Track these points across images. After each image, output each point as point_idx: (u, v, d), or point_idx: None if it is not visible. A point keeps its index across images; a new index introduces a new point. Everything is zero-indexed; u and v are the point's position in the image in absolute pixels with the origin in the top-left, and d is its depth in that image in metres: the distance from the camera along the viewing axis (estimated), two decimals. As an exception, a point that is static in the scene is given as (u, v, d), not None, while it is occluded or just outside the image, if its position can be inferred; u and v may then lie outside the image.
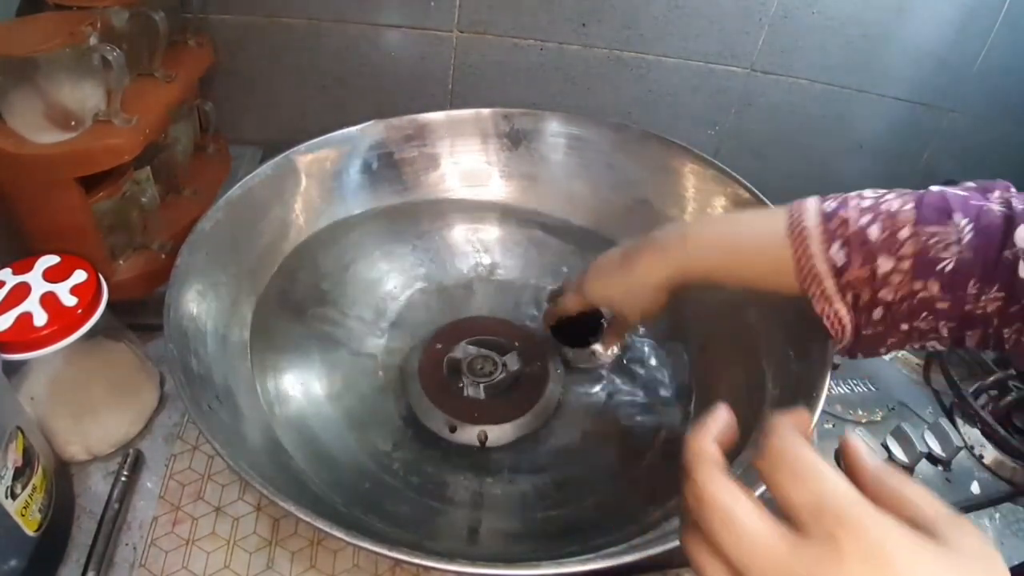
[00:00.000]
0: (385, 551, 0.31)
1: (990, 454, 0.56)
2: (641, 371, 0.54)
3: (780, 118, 0.75)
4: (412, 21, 0.65)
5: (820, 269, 0.37)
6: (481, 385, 0.51)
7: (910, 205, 0.36)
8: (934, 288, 0.35)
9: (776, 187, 0.52)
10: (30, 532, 0.38)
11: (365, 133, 0.58)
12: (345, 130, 0.57)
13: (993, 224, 0.34)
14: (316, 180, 0.56)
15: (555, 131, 0.62)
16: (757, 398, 0.45)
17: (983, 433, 0.58)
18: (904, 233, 0.35)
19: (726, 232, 0.41)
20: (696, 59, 0.69)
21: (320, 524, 0.31)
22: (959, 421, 0.59)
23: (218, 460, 0.48)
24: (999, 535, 0.52)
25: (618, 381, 0.54)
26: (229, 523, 0.45)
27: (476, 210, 0.63)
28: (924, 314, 0.36)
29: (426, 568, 0.31)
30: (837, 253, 0.36)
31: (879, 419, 0.59)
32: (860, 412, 0.59)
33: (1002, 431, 0.57)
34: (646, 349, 0.56)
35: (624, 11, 0.66)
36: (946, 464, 0.55)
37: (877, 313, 0.37)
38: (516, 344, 0.53)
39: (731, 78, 0.71)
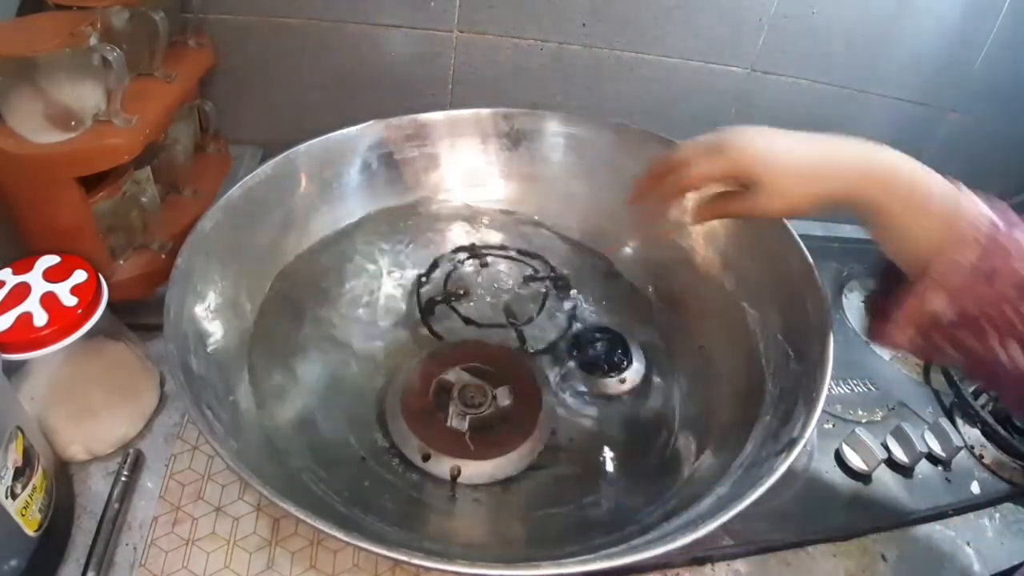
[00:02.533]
0: (385, 551, 0.31)
1: (990, 454, 0.56)
2: (640, 372, 0.54)
3: (780, 118, 0.75)
4: (412, 21, 0.65)
5: (982, 224, 0.34)
6: (467, 416, 0.48)
7: None
8: None
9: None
10: (30, 532, 0.38)
11: (365, 133, 0.58)
12: (345, 130, 0.57)
13: None
14: (316, 180, 0.56)
15: (555, 131, 0.62)
16: (757, 398, 0.45)
17: (983, 433, 0.58)
18: None
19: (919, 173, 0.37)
20: (696, 59, 0.69)
21: (320, 524, 0.31)
22: (959, 421, 0.59)
23: (218, 460, 0.48)
24: (999, 535, 0.52)
25: (613, 399, 0.53)
26: (229, 523, 0.45)
27: (476, 210, 0.63)
28: (989, 328, 0.34)
29: (426, 568, 0.31)
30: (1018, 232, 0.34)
31: (879, 419, 0.59)
32: (860, 412, 0.59)
33: (1002, 431, 0.57)
34: (645, 350, 0.56)
35: (624, 11, 0.66)
36: (946, 464, 0.55)
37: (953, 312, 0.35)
38: (511, 379, 0.51)
39: (731, 78, 0.71)
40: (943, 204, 0.36)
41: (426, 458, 0.47)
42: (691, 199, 0.46)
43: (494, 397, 0.49)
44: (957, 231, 0.35)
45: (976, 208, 0.36)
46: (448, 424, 0.48)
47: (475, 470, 0.47)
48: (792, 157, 0.39)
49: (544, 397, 0.51)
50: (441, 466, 0.47)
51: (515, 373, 0.51)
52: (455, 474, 0.46)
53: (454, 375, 0.50)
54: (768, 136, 0.40)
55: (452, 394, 0.49)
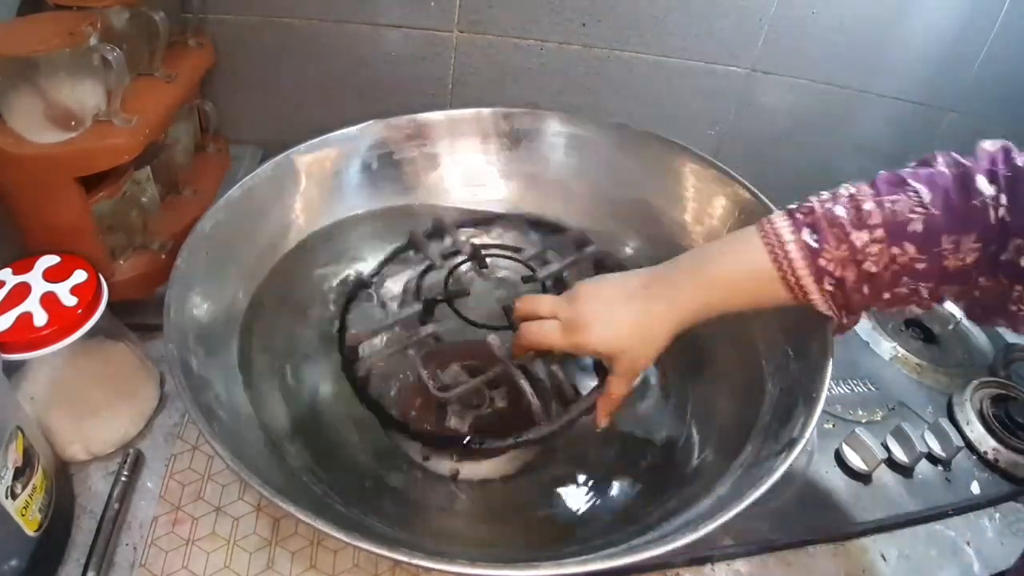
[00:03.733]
0: (385, 551, 0.31)
1: (1005, 456, 0.56)
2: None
3: (780, 118, 0.75)
4: (412, 21, 0.65)
5: (794, 256, 0.37)
6: (466, 416, 0.48)
7: (865, 185, 0.38)
8: (910, 250, 0.36)
9: (776, 187, 0.52)
10: (30, 532, 0.38)
11: (365, 133, 0.58)
12: (345, 130, 0.57)
13: (950, 181, 0.36)
14: (316, 180, 0.56)
15: (555, 131, 0.62)
16: (757, 398, 0.45)
17: (989, 431, 0.57)
18: (868, 206, 0.37)
19: (717, 263, 0.41)
20: (696, 59, 0.69)
21: (320, 524, 0.31)
22: (965, 421, 0.59)
23: (218, 460, 0.48)
24: (999, 535, 0.52)
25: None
26: (229, 523, 0.45)
27: (476, 210, 0.63)
28: (904, 278, 0.37)
29: (426, 568, 0.31)
30: (809, 237, 0.37)
31: (879, 419, 0.59)
32: (860, 412, 0.59)
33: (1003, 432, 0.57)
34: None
35: (624, 11, 0.66)
36: (946, 464, 0.55)
37: (865, 289, 0.38)
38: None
39: (731, 78, 0.71)
40: (733, 247, 0.40)
41: (426, 458, 0.47)
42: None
43: (492, 399, 0.49)
44: (767, 251, 0.38)
45: (767, 226, 0.39)
46: (447, 424, 0.48)
47: (474, 469, 0.47)
48: (628, 330, 0.41)
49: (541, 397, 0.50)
50: (440, 466, 0.47)
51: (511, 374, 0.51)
52: (454, 474, 0.46)
53: (453, 375, 0.50)
54: (602, 325, 0.42)
55: (452, 394, 0.48)
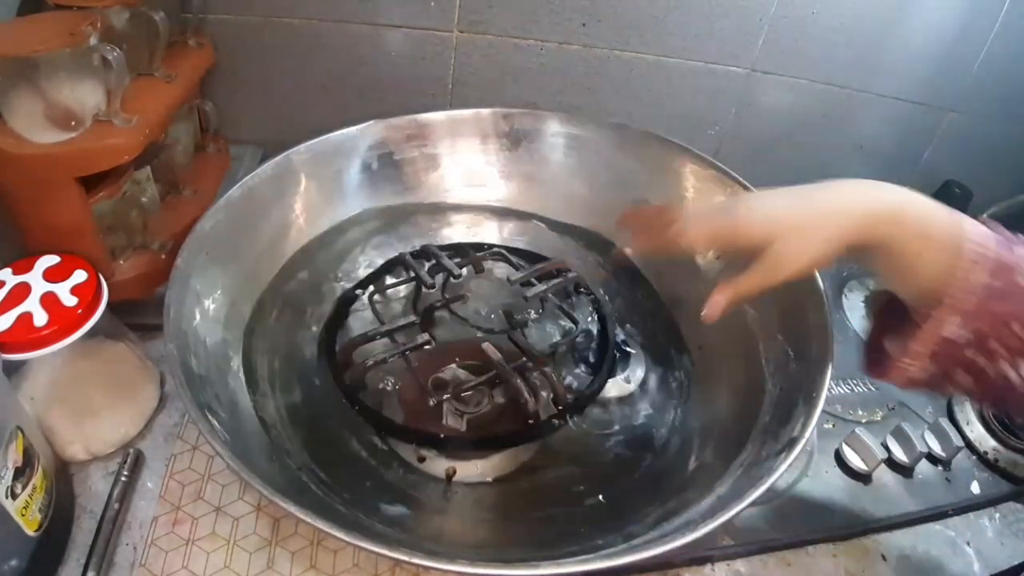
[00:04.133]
0: (385, 551, 0.31)
1: (1005, 456, 0.56)
2: (640, 372, 0.54)
3: (780, 118, 0.75)
4: (412, 21, 0.65)
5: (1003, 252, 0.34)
6: (464, 416, 0.47)
7: None
8: None
9: (776, 187, 0.52)
10: (30, 532, 0.38)
11: (365, 133, 0.58)
12: (345, 130, 0.57)
13: None
14: (316, 180, 0.56)
15: (555, 131, 0.62)
16: (757, 398, 0.45)
17: (989, 431, 0.57)
18: None
19: (915, 208, 0.36)
20: (696, 59, 0.69)
21: (320, 524, 0.31)
22: (965, 421, 0.59)
23: (218, 460, 0.48)
24: (999, 535, 0.52)
25: (612, 399, 0.52)
26: (229, 523, 0.45)
27: (476, 210, 0.63)
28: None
29: (426, 568, 0.31)
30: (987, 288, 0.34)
31: (879, 419, 0.59)
32: (860, 412, 0.59)
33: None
34: (645, 350, 0.56)
35: (624, 11, 0.66)
36: (946, 464, 0.55)
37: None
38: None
39: (731, 78, 0.71)
40: (949, 231, 0.36)
41: (421, 459, 0.47)
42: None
43: (491, 396, 0.49)
44: (966, 255, 0.35)
45: (979, 230, 0.36)
46: (444, 423, 0.48)
47: (471, 469, 0.47)
48: (796, 212, 0.37)
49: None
50: (437, 466, 0.47)
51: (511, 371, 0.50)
52: (451, 474, 0.46)
53: (450, 373, 0.50)
54: (767, 198, 0.39)
55: (448, 393, 0.48)
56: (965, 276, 0.34)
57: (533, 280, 0.56)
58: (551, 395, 0.47)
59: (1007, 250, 0.35)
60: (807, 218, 0.37)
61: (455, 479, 0.46)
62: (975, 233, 0.35)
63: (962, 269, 0.34)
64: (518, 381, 0.46)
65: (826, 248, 0.36)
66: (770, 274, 0.38)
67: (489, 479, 0.47)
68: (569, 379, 0.52)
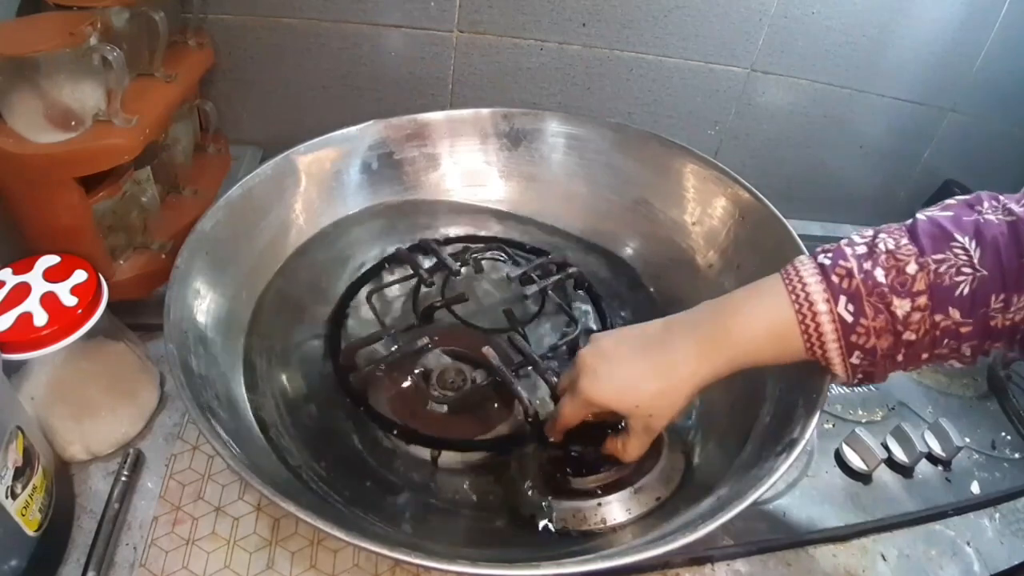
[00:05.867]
0: (385, 551, 0.31)
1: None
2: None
3: (780, 118, 0.75)
4: (412, 21, 0.65)
5: (825, 330, 0.35)
6: (445, 400, 0.48)
7: (905, 239, 0.35)
8: (955, 315, 0.33)
9: (776, 187, 0.52)
10: (30, 532, 0.38)
11: (365, 133, 0.58)
12: (345, 130, 0.57)
13: (1000, 235, 0.33)
14: (316, 180, 0.56)
15: (555, 131, 0.62)
16: (757, 398, 0.45)
17: None
18: (911, 268, 0.34)
19: (743, 318, 0.37)
20: (696, 59, 0.69)
21: (320, 524, 0.31)
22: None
23: (218, 460, 0.48)
24: (999, 535, 0.52)
25: None
26: (229, 523, 0.45)
27: (476, 210, 0.63)
28: (946, 341, 0.34)
29: (426, 568, 0.31)
30: (844, 310, 0.34)
31: (879, 419, 0.59)
32: (860, 412, 0.59)
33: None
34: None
35: (624, 11, 0.66)
36: (946, 464, 0.55)
37: (900, 356, 0.35)
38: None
39: (731, 78, 0.71)
40: (762, 303, 0.37)
41: (434, 459, 0.47)
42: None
43: (473, 379, 0.49)
44: (811, 320, 0.35)
45: (800, 271, 0.36)
46: (427, 408, 0.48)
47: (453, 454, 0.46)
48: (649, 386, 0.39)
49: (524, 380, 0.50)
50: (423, 450, 0.46)
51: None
52: (435, 456, 0.46)
53: (434, 360, 0.50)
54: (615, 371, 0.39)
55: (431, 378, 0.48)
56: (820, 322, 0.35)
57: (533, 276, 0.56)
58: (550, 396, 0.47)
59: (833, 263, 0.35)
60: (657, 386, 0.38)
61: (441, 460, 0.46)
62: (791, 286, 0.36)
63: (808, 332, 0.35)
64: (518, 387, 0.46)
65: (684, 401, 0.39)
66: (645, 437, 0.41)
67: (472, 461, 0.47)
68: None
